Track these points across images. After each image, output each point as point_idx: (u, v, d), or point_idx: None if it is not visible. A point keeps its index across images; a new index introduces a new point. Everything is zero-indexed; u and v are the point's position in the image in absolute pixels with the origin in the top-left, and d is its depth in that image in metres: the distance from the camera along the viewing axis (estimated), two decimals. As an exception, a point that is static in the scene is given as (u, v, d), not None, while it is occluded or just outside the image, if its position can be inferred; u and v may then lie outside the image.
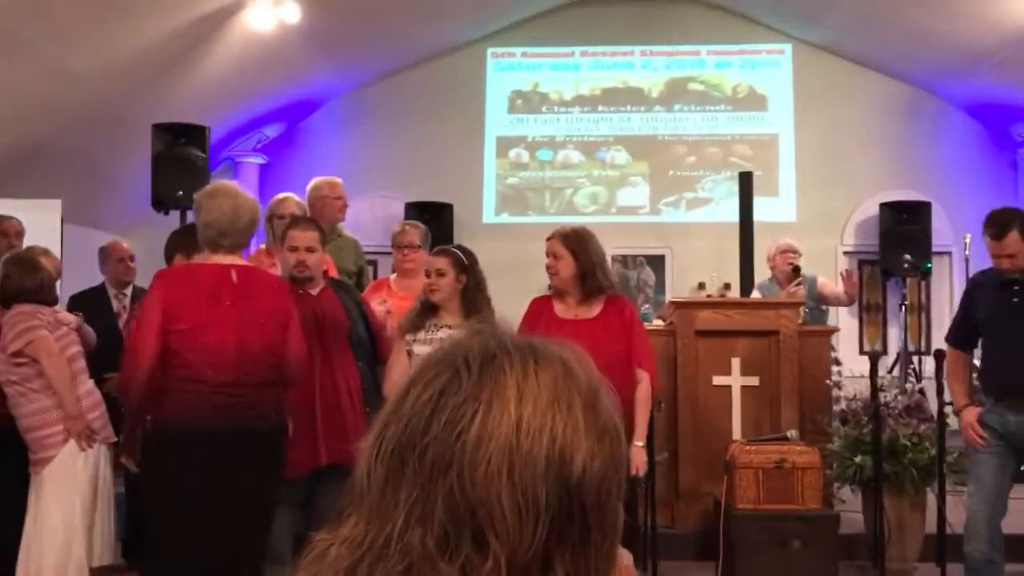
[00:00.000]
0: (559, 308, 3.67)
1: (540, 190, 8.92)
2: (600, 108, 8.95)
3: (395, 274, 4.47)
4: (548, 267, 3.65)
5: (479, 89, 8.91)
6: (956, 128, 8.81)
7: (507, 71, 8.99)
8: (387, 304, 3.90)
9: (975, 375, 3.98)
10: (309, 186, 4.81)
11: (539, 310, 3.70)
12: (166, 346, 2.99)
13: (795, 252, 5.85)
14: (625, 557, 1.44)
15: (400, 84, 8.81)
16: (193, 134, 6.57)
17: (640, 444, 3.55)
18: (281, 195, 4.76)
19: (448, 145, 8.66)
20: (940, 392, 4.13)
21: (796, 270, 5.68)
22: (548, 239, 3.69)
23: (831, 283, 5.79)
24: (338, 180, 4.86)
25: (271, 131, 8.53)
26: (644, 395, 3.60)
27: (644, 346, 3.68)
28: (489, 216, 8.83)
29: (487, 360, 0.76)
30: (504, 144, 8.91)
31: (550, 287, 3.73)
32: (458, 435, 0.72)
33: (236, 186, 3.45)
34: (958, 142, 8.80)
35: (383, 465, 0.75)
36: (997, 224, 3.58)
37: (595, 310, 3.64)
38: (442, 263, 3.60)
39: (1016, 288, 3.59)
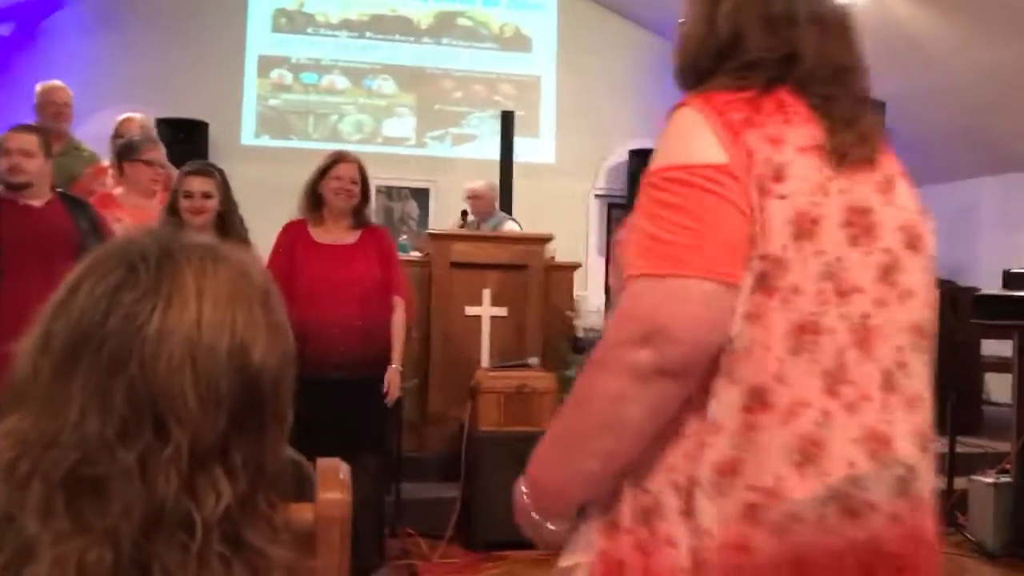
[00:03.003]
0: (316, 233, 3.65)
1: (303, 114, 8.70)
2: (368, 35, 8.81)
3: (121, 189, 4.06)
4: (346, 189, 3.61)
5: (240, 3, 8.48)
6: (701, 83, 9.43)
7: (271, -13, 8.63)
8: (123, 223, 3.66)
9: None
10: (36, 90, 4.49)
11: (295, 234, 3.67)
12: None
13: (473, 196, 6.35)
14: (342, 470, 1.49)
15: (154, -10, 8.25)
16: (-95, 24, 5.85)
17: (395, 367, 3.65)
18: (126, 115, 4.59)
19: (205, 60, 8.21)
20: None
21: (464, 213, 6.27)
22: (343, 162, 3.64)
23: (516, 231, 6.19)
24: (65, 86, 4.60)
25: (2, 29, 7.73)
26: (400, 321, 3.70)
27: (401, 274, 3.77)
28: (248, 138, 8.51)
29: (164, 257, 0.78)
30: (266, 64, 8.58)
31: (303, 210, 3.69)
32: (138, 328, 0.74)
33: None
34: (702, 96, 9.41)
35: (52, 359, 0.75)
36: None
37: (353, 237, 3.66)
38: (210, 185, 3.45)
39: None
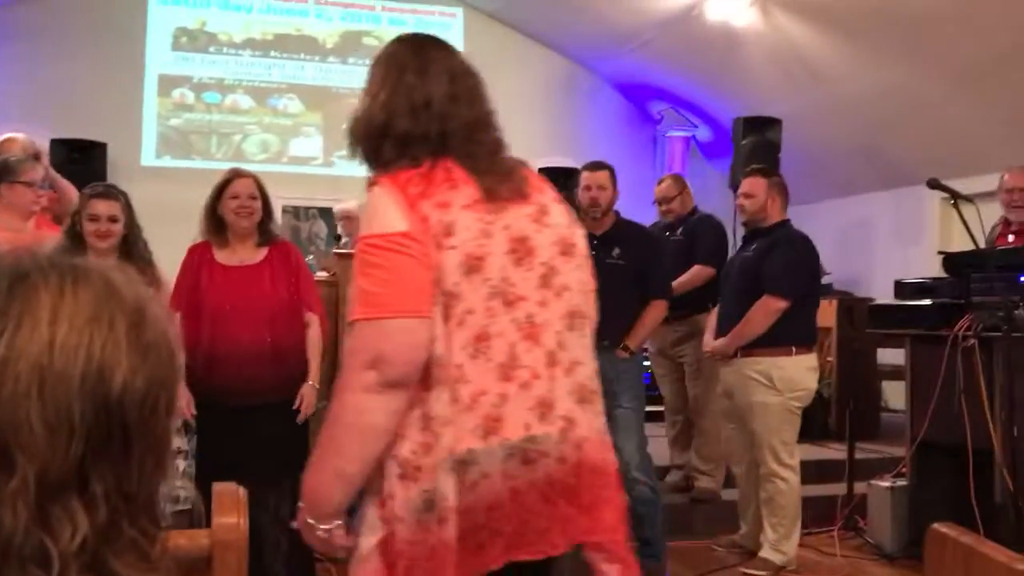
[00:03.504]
0: (221, 255, 3.55)
1: (206, 134, 8.53)
2: (272, 54, 8.71)
3: None
4: (245, 207, 3.52)
5: (139, 21, 8.28)
6: (606, 103, 9.61)
7: (171, 5, 8.44)
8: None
9: None
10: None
11: (199, 257, 3.58)
12: None
13: (344, 217, 6.25)
14: (239, 494, 1.46)
15: (49, 6, 7.98)
16: None
17: (311, 384, 3.58)
18: (7, 135, 4.43)
19: (103, 79, 7.98)
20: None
21: (337, 238, 6.00)
22: (238, 178, 3.56)
23: None
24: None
25: None
26: (315, 338, 3.63)
27: (313, 289, 3.70)
28: (148, 159, 8.30)
29: (18, 278, 0.74)
30: (167, 83, 8.39)
31: (205, 233, 3.60)
32: None
33: None
34: (607, 115, 9.61)
35: None
36: None
37: (260, 255, 3.58)
38: (116, 208, 3.38)
39: (594, 243, 4.06)
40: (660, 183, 5.31)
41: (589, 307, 1.64)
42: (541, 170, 9.23)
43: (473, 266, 1.49)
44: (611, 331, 3.99)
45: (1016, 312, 3.78)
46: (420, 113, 1.59)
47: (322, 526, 1.50)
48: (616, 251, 4.03)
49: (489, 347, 1.50)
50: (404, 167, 1.54)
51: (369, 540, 1.53)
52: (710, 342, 4.32)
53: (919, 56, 6.50)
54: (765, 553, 4.16)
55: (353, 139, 1.67)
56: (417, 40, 1.70)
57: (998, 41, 5.89)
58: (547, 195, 1.66)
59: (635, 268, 4.03)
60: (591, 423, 1.61)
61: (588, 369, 1.62)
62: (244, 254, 3.55)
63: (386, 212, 1.49)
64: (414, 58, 1.64)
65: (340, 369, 1.49)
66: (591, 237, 4.05)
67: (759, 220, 4.28)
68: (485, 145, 1.63)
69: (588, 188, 4.03)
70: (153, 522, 0.77)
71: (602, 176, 4.08)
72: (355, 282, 1.48)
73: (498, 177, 1.57)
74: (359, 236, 1.51)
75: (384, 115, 1.60)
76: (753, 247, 4.26)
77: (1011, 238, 4.79)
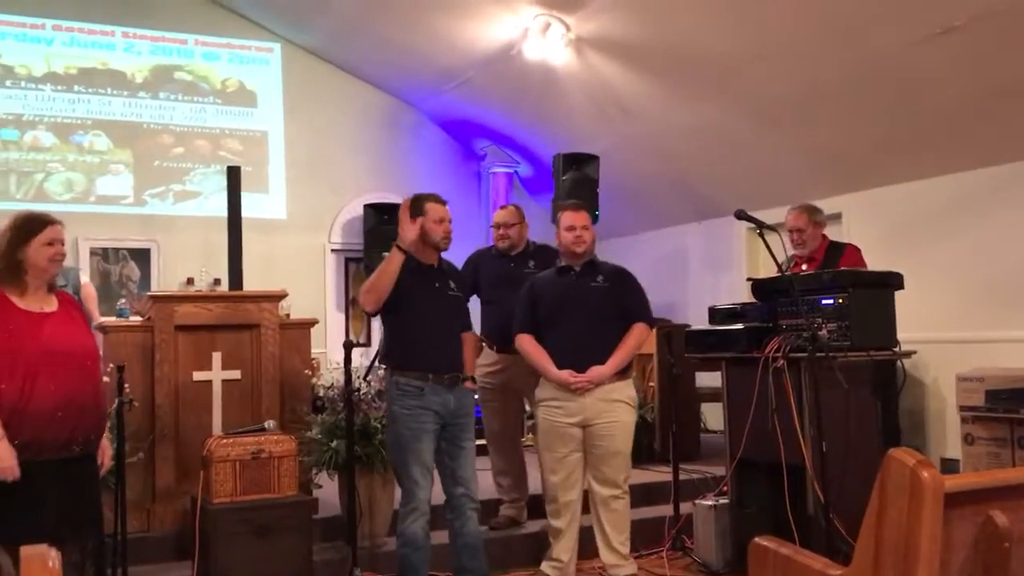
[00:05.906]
0: (19, 300, 3.27)
1: (4, 173, 7.96)
2: (76, 88, 8.25)
3: None
4: (59, 254, 3.33)
5: (-77, 52, 7.69)
6: (430, 139, 9.66)
7: (-41, 36, 7.87)
8: None
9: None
10: None
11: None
12: None
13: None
14: (51, 558, 1.36)
15: None
16: None
17: (107, 437, 3.40)
18: None
19: None
20: (348, 380, 4.25)
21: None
22: (58, 223, 3.34)
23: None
24: None
25: None
26: (110, 387, 3.52)
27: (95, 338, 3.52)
28: (-62, 200, 7.66)
29: None
30: (-43, 118, 7.79)
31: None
32: None
33: None
34: (432, 152, 9.65)
35: None
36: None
37: (54, 303, 3.34)
38: None
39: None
40: (504, 209, 5.34)
41: None
42: (370, 206, 9.18)
43: None
44: (460, 363, 4.06)
45: (820, 333, 4.04)
46: None
47: None
48: (451, 284, 4.18)
49: None
50: None
51: None
52: (565, 374, 4.20)
53: (724, 96, 6.89)
54: (629, 570, 4.24)
55: None
56: None
57: (795, 83, 6.34)
58: None
59: (463, 299, 4.24)
60: None
61: None
62: (42, 302, 3.31)
63: None
64: None
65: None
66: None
67: (592, 252, 4.42)
68: None
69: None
70: None
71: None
72: None
73: None
74: None
75: None
76: (599, 278, 4.36)
77: (804, 267, 5.13)
